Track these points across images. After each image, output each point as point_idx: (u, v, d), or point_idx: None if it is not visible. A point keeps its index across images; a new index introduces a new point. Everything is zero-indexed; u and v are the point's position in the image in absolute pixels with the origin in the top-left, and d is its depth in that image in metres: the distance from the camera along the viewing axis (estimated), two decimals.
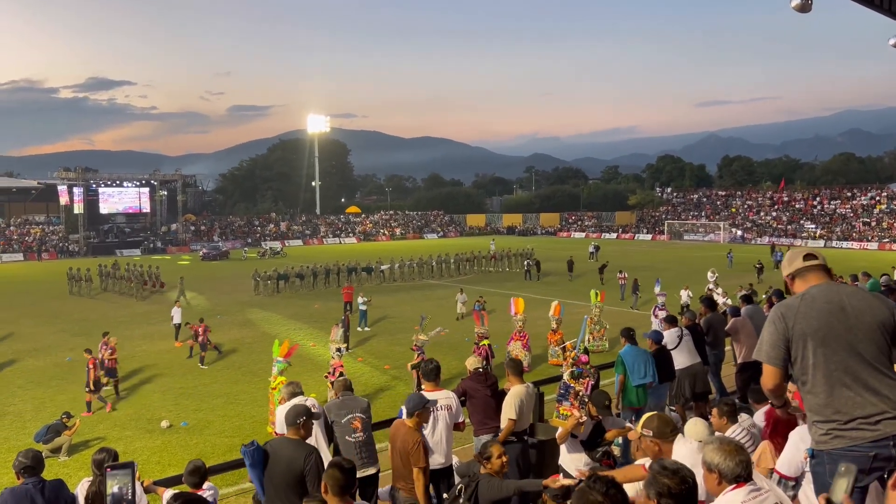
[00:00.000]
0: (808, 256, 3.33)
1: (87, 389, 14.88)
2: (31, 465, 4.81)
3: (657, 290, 22.09)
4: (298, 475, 4.77)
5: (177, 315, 22.18)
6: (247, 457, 4.86)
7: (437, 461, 6.07)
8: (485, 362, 15.13)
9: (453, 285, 32.96)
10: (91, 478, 5.06)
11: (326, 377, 14.41)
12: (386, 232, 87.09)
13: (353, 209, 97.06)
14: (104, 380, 15.73)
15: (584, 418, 5.67)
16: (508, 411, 6.60)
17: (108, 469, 2.44)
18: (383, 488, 6.41)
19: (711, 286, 24.80)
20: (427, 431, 6.08)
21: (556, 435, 5.88)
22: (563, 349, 17.45)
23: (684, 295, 24.16)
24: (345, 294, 26.67)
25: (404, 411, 6.34)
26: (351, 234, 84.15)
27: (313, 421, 5.34)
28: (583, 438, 5.77)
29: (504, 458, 4.87)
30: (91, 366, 14.90)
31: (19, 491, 4.69)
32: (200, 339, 19.02)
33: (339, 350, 14.36)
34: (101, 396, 15.25)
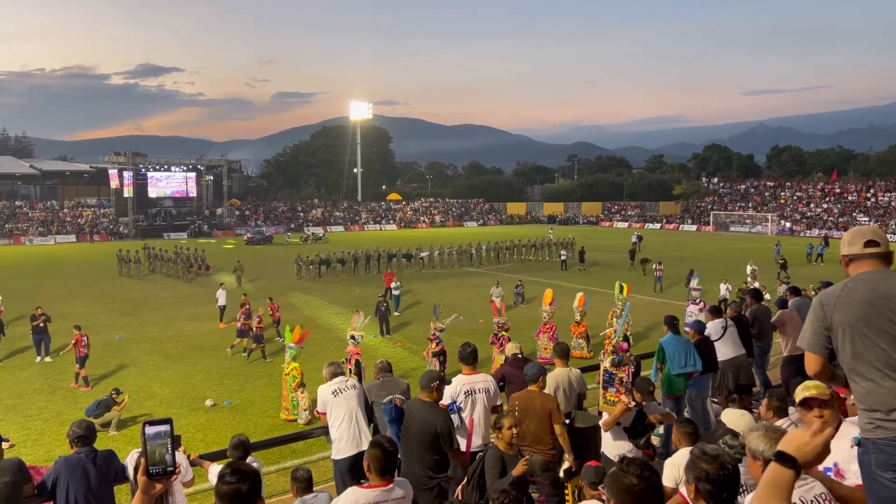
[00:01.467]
0: (869, 243, 3.18)
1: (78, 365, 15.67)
2: (84, 435, 4.99)
3: (693, 283, 21.41)
4: (433, 434, 5.21)
5: (222, 297, 22.63)
6: (386, 413, 5.51)
7: (475, 443, 6.10)
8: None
9: (492, 273, 32.91)
10: (140, 449, 5.22)
11: (343, 363, 14.20)
12: (426, 219, 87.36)
13: (393, 196, 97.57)
14: (252, 345, 18.07)
15: (633, 403, 5.66)
16: None
17: (147, 425, 2.46)
18: None
19: (749, 279, 24.14)
20: (465, 414, 6.12)
21: (602, 421, 5.86)
22: (586, 338, 17.13)
23: (723, 289, 23.29)
24: (386, 280, 26.89)
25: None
26: (391, 221, 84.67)
27: (349, 392, 5.45)
28: (626, 425, 5.74)
29: (514, 431, 5.04)
30: (76, 341, 15.66)
31: (73, 459, 4.87)
32: (274, 317, 20.41)
33: (353, 338, 14.09)
34: (86, 377, 15.69)
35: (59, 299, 27.11)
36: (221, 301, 22.51)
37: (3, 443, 5.31)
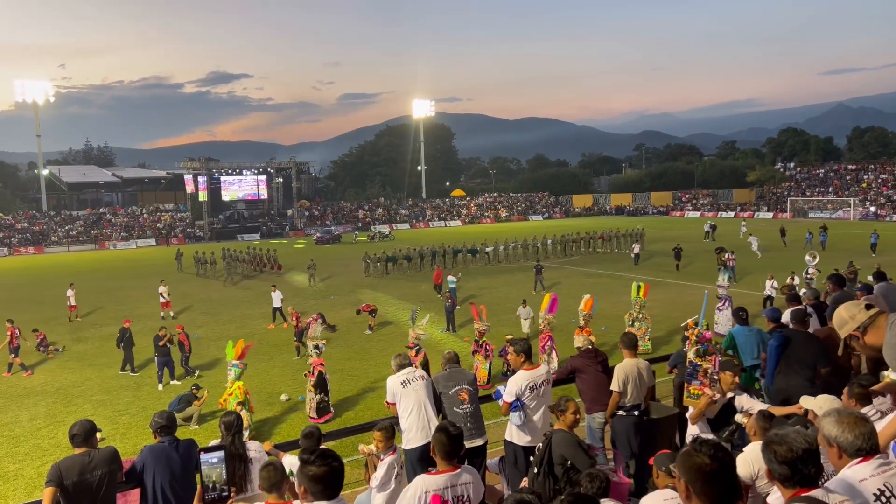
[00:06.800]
0: None
1: (11, 354, 17.67)
2: (166, 425, 5.25)
3: (720, 280, 20.06)
4: (813, 355, 6.72)
5: (276, 299, 22.91)
6: (775, 339, 6.96)
7: (539, 439, 6.06)
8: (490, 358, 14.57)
9: (559, 266, 32.57)
10: (219, 440, 5.44)
11: (306, 375, 13.47)
12: (490, 214, 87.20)
13: (457, 192, 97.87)
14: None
15: (717, 396, 5.49)
16: (612, 384, 6.56)
17: (203, 452, 2.62)
18: (492, 460, 6.49)
19: (811, 271, 22.28)
20: (531, 410, 6.12)
21: (689, 415, 5.70)
22: (685, 327, 16.31)
23: (768, 286, 21.37)
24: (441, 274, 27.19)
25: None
26: (456, 217, 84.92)
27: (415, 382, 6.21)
28: (710, 417, 5.58)
29: (577, 416, 5.05)
30: (10, 334, 17.53)
31: (157, 448, 5.13)
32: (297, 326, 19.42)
33: (317, 347, 13.60)
34: (23, 363, 17.84)
35: (140, 300, 28.43)
36: (276, 303, 22.81)
37: (97, 433, 5.61)
